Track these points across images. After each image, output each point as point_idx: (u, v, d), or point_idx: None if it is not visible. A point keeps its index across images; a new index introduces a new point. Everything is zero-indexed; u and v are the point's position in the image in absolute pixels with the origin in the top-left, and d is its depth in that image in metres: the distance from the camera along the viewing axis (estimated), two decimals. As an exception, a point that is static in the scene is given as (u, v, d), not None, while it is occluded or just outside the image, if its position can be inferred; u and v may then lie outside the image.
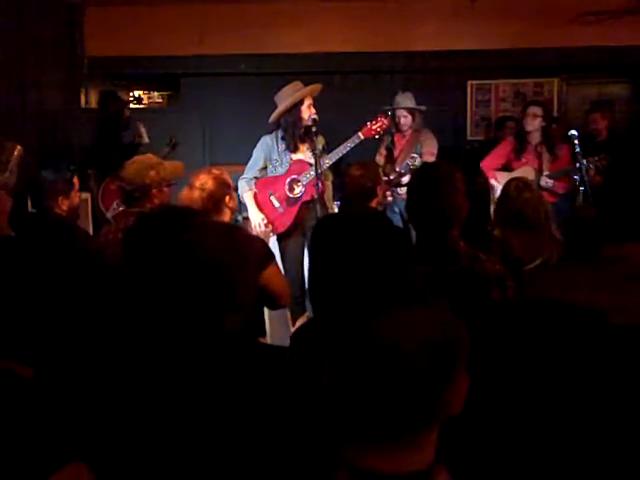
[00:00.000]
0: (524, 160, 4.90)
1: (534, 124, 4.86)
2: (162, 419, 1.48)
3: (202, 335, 1.57)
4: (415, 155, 4.67)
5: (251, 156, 4.53)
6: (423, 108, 5.06)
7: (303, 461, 1.18)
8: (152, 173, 3.01)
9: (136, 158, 3.18)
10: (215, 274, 1.58)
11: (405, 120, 5.01)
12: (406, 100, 5.05)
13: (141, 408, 1.51)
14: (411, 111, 5.02)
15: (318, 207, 4.13)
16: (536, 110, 4.89)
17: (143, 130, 5.62)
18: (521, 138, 4.94)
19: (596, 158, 4.67)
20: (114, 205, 4.94)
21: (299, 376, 1.48)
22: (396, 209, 4.74)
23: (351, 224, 1.84)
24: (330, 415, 1.03)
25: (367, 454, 0.99)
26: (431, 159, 4.73)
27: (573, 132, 4.61)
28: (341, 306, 1.12)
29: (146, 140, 5.62)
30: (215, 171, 3.00)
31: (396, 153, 5.02)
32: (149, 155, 3.23)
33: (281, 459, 1.32)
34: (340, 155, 4.38)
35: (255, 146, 4.53)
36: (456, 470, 1.05)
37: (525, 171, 4.76)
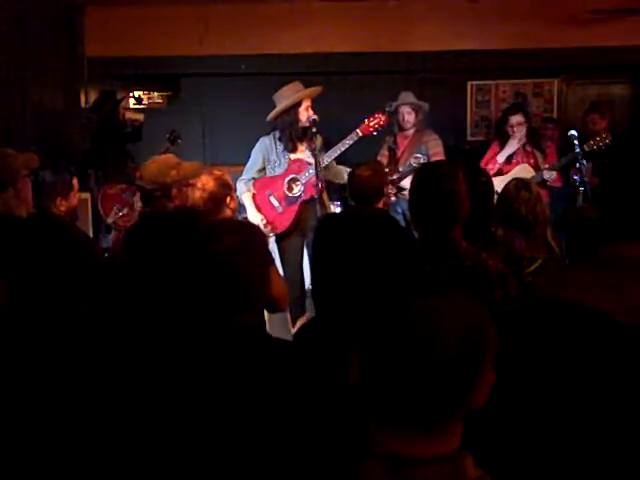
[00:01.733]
0: (515, 162, 4.90)
1: (521, 130, 4.86)
2: (178, 417, 1.49)
3: (223, 330, 1.58)
4: (419, 155, 4.65)
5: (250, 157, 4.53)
6: (426, 105, 5.05)
7: (330, 453, 1.20)
8: (173, 172, 2.98)
9: (156, 158, 3.15)
10: (233, 270, 1.59)
11: (409, 117, 5.01)
12: (409, 97, 5.05)
13: (155, 405, 1.52)
14: (415, 108, 5.02)
15: (318, 207, 4.12)
16: (519, 119, 4.89)
17: (127, 112, 5.65)
18: (507, 142, 4.93)
19: (598, 139, 4.65)
20: (114, 210, 4.95)
21: (311, 371, 1.49)
22: (399, 209, 4.74)
23: (357, 223, 1.83)
24: (359, 405, 1.05)
25: (397, 442, 1.01)
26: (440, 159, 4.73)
27: (573, 132, 4.61)
28: (367, 296, 1.12)
29: (140, 118, 5.65)
30: (216, 172, 3.00)
31: (398, 154, 5.01)
32: (169, 155, 3.21)
33: (303, 452, 1.34)
34: (338, 152, 4.37)
35: (254, 147, 4.52)
36: None
37: (523, 169, 4.76)
